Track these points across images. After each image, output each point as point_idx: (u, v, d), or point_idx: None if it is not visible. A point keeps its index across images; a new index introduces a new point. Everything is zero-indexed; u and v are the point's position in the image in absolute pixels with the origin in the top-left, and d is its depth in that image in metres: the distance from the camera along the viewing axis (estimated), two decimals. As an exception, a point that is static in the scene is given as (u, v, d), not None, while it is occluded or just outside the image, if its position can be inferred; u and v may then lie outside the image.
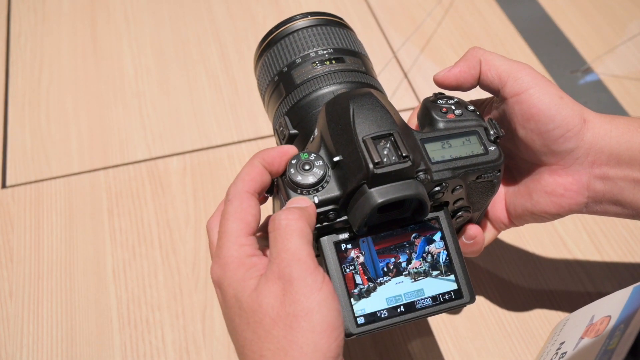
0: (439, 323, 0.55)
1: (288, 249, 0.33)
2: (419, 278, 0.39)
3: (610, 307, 0.39)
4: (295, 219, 0.34)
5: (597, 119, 0.43)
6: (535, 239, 0.60)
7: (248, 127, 0.70)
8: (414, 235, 0.40)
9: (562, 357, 0.40)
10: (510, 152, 0.46)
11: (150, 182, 0.65)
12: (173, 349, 0.54)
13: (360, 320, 0.38)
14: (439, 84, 0.44)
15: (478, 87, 0.45)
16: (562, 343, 0.38)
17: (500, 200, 0.47)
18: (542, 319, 0.55)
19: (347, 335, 0.38)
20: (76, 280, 0.58)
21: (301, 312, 0.32)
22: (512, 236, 0.61)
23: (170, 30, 0.80)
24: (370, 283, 0.39)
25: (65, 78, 0.75)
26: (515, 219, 0.47)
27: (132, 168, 0.66)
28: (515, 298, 0.57)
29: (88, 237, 0.61)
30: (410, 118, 0.47)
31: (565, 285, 0.57)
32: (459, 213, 0.44)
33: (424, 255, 0.40)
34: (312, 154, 0.38)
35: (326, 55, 0.45)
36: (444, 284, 0.40)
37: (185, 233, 0.61)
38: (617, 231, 0.61)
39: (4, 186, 0.65)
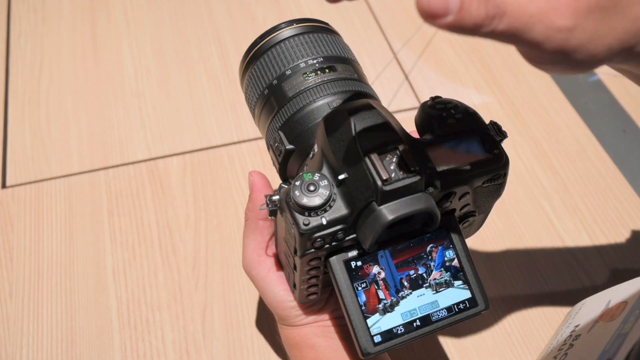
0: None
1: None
2: (440, 289, 0.39)
3: (628, 293, 0.39)
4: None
5: None
6: (535, 239, 0.60)
7: (248, 127, 0.70)
8: (430, 245, 0.39)
9: (577, 339, 0.40)
10: None
11: (150, 182, 0.65)
12: (173, 349, 0.54)
13: (377, 339, 0.37)
14: None
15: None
16: (576, 326, 0.38)
17: None
18: (542, 319, 0.55)
19: (365, 354, 0.37)
20: (76, 280, 0.58)
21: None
22: (512, 236, 0.61)
23: (170, 31, 0.80)
24: (392, 297, 0.38)
25: (65, 78, 0.75)
26: None
27: (132, 168, 0.66)
28: (515, 298, 0.57)
29: (88, 237, 0.61)
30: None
31: (565, 285, 0.57)
32: (466, 219, 0.43)
33: (445, 265, 0.39)
34: (316, 174, 0.37)
35: (317, 65, 0.43)
36: (458, 294, 0.39)
37: (185, 233, 0.61)
38: (617, 231, 0.61)
39: (4, 186, 0.65)
